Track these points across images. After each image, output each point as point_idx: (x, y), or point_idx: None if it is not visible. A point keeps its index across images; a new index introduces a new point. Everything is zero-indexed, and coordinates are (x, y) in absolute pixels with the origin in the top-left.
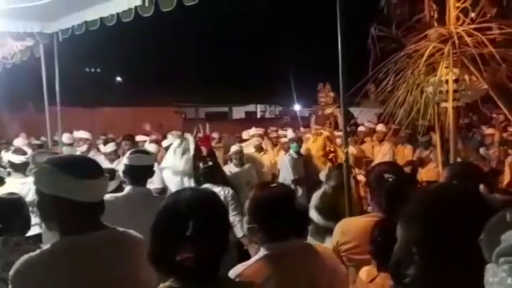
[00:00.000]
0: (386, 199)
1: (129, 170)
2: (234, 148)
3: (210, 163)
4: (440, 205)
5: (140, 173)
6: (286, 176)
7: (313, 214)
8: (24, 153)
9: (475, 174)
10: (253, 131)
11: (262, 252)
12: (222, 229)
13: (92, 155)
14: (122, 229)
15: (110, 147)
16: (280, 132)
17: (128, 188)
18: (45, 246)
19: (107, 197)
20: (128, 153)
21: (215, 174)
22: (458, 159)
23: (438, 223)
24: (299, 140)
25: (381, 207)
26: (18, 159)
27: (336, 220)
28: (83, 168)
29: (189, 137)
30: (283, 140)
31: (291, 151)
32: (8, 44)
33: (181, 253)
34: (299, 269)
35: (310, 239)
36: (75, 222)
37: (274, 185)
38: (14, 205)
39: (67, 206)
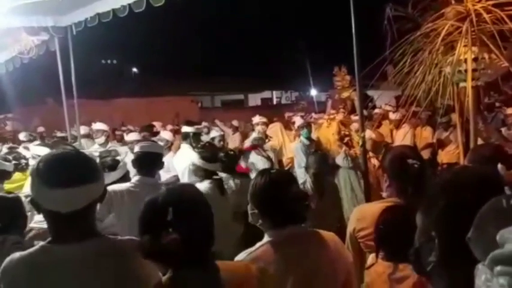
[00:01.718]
0: (413, 185)
1: (138, 157)
2: (253, 136)
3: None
4: (457, 189)
5: (149, 161)
6: (300, 162)
7: None
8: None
9: (498, 156)
10: (257, 119)
11: (266, 238)
12: (204, 218)
13: (110, 146)
14: (115, 237)
15: (133, 136)
16: (295, 118)
17: (134, 179)
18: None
19: (112, 187)
20: (139, 144)
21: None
22: (479, 140)
23: (455, 207)
24: (308, 126)
25: (402, 193)
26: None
27: None
28: (59, 175)
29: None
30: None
31: (302, 137)
32: (23, 39)
33: (166, 237)
34: (301, 255)
35: None
36: (53, 230)
37: (273, 171)
38: (11, 204)
39: (46, 214)
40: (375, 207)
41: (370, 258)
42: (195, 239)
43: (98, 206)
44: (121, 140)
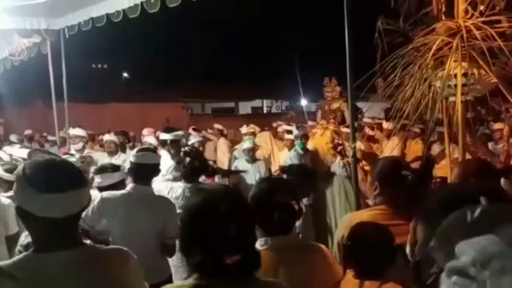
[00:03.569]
0: (406, 196)
1: (135, 167)
2: (247, 145)
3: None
4: (463, 199)
5: (146, 171)
6: None
7: None
8: (28, 147)
9: (486, 171)
10: (244, 129)
11: (259, 247)
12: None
13: (87, 152)
14: (100, 246)
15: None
16: (285, 127)
17: (129, 186)
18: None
19: (106, 194)
20: (134, 151)
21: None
22: (467, 154)
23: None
24: (304, 137)
25: (393, 202)
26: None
27: None
28: (51, 180)
29: None
30: (287, 136)
31: (297, 147)
32: (15, 41)
33: (227, 253)
34: (293, 265)
35: None
36: (41, 239)
37: (270, 179)
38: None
39: (32, 220)
40: (364, 215)
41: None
42: (250, 253)
43: (90, 212)
44: (103, 146)
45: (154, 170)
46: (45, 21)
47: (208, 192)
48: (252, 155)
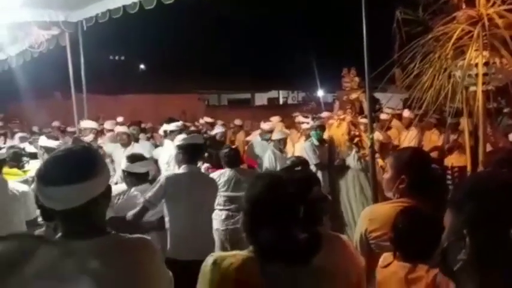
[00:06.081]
0: (433, 190)
1: (185, 148)
2: (279, 135)
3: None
4: (494, 186)
5: (194, 151)
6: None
7: None
8: (56, 139)
9: None
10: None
11: None
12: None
13: (100, 142)
14: (124, 235)
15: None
16: (301, 118)
17: (183, 167)
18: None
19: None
20: (181, 136)
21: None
22: (488, 145)
23: (492, 203)
24: (320, 128)
25: (417, 195)
26: (52, 143)
27: None
28: (55, 173)
29: None
30: (304, 126)
31: (313, 138)
32: (34, 34)
33: (298, 234)
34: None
35: None
36: (61, 228)
37: (297, 170)
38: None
39: (48, 210)
40: (387, 207)
41: (383, 257)
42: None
43: (155, 191)
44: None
45: (202, 149)
46: (63, 13)
47: (274, 176)
48: (283, 145)
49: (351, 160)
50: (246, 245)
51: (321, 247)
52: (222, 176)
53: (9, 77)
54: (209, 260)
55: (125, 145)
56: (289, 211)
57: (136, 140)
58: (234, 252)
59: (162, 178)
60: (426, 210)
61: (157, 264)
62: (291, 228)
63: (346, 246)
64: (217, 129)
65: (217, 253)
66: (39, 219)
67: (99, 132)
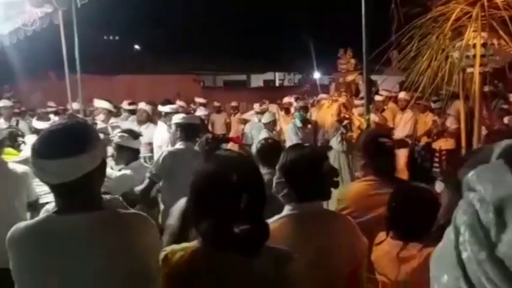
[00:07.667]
0: (387, 163)
1: (183, 126)
2: (268, 118)
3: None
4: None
5: (191, 130)
6: (288, 144)
7: None
8: (48, 119)
9: None
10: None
11: (286, 211)
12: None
13: (111, 122)
14: (120, 210)
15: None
16: (286, 99)
17: (180, 143)
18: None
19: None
20: (180, 115)
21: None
22: (483, 128)
23: None
24: (303, 109)
25: (378, 171)
26: (41, 125)
27: None
28: (49, 147)
29: None
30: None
31: (296, 119)
32: (27, 11)
33: (238, 224)
34: (320, 232)
35: None
36: (57, 202)
37: (306, 145)
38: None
39: (45, 184)
40: (353, 186)
41: (378, 236)
42: (261, 227)
43: (160, 165)
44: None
45: (199, 129)
46: None
47: (223, 161)
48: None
49: (335, 143)
50: None
51: (266, 237)
52: None
53: (2, 57)
54: (161, 256)
55: (142, 122)
56: (227, 202)
57: (150, 120)
58: (185, 244)
59: (164, 152)
60: (422, 187)
61: (155, 237)
62: (229, 220)
63: (351, 225)
64: (200, 112)
65: (169, 247)
66: (41, 200)
67: (110, 113)
